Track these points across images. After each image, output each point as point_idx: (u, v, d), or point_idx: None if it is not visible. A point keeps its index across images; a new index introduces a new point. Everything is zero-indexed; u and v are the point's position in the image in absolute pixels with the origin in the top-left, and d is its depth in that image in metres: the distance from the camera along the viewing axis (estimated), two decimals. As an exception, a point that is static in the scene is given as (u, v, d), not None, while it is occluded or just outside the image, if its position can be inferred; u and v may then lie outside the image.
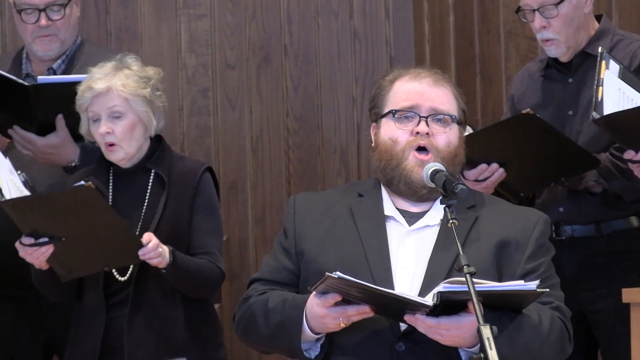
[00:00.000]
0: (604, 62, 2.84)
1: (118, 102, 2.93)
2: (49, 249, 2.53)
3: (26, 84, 3.20)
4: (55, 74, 3.44)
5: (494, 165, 3.07)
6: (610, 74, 2.99)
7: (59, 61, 3.47)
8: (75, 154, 3.18)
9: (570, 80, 3.34)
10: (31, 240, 2.52)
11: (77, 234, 2.56)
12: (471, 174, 2.89)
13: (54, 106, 3.20)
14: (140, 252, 2.54)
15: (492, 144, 3.13)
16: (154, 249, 2.55)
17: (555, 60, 3.37)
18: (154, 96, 3.01)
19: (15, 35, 4.42)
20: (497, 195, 3.19)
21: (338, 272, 1.90)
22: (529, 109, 3.14)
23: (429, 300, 1.94)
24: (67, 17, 3.39)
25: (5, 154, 3.17)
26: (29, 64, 3.52)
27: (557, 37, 3.25)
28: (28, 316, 3.06)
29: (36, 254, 2.52)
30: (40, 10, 3.31)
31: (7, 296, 3.01)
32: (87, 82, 2.97)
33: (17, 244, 2.57)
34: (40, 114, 3.21)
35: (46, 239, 2.49)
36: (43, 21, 3.33)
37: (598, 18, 3.40)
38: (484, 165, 2.89)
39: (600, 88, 2.77)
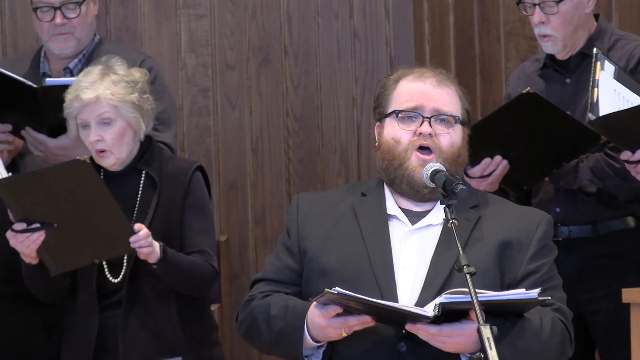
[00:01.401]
0: (598, 63, 2.85)
1: (107, 109, 2.93)
2: (40, 236, 2.52)
3: (34, 86, 3.20)
4: (71, 73, 3.44)
5: (497, 158, 3.06)
6: (605, 74, 3.00)
7: (76, 60, 3.47)
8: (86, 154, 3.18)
9: (568, 80, 3.34)
10: (23, 226, 2.46)
11: (69, 219, 2.55)
12: (476, 170, 2.89)
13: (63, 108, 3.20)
14: (132, 239, 2.53)
15: (494, 133, 3.13)
16: (145, 237, 2.56)
17: (553, 60, 3.38)
18: (142, 100, 3.00)
19: (15, 35, 4.43)
20: (500, 191, 3.22)
21: (337, 288, 1.91)
22: (528, 88, 3.15)
23: (430, 311, 1.95)
24: (83, 15, 3.38)
25: (23, 156, 3.21)
26: (47, 62, 3.51)
27: (554, 34, 3.25)
28: (42, 316, 3.06)
29: (27, 242, 2.48)
30: (55, 9, 3.31)
31: (21, 296, 3.02)
32: (75, 92, 2.96)
33: (8, 233, 2.57)
34: (51, 115, 3.21)
35: (38, 225, 2.45)
36: (58, 19, 3.32)
37: (595, 17, 3.41)
38: (487, 160, 2.90)
39: (596, 89, 2.79)
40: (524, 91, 3.13)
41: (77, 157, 2.71)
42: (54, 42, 3.40)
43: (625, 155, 2.94)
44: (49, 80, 3.28)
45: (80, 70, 3.45)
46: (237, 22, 5.04)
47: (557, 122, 3.15)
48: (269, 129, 5.36)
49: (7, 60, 4.02)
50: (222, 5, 4.98)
